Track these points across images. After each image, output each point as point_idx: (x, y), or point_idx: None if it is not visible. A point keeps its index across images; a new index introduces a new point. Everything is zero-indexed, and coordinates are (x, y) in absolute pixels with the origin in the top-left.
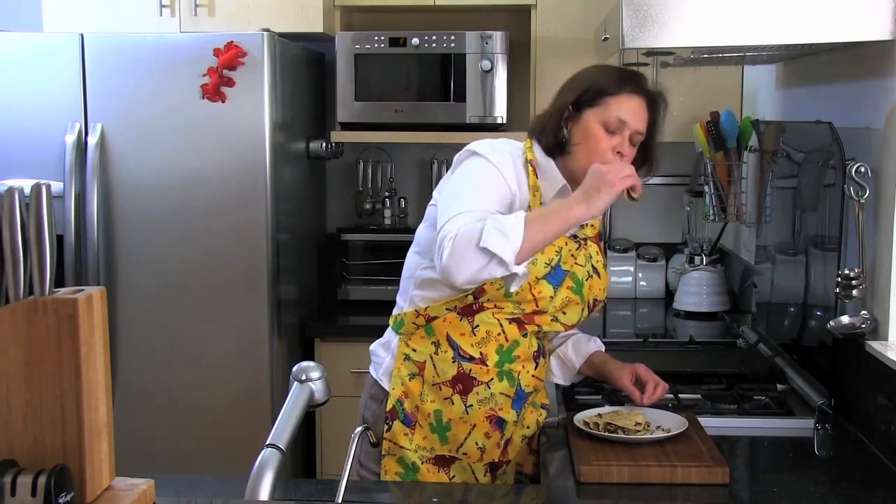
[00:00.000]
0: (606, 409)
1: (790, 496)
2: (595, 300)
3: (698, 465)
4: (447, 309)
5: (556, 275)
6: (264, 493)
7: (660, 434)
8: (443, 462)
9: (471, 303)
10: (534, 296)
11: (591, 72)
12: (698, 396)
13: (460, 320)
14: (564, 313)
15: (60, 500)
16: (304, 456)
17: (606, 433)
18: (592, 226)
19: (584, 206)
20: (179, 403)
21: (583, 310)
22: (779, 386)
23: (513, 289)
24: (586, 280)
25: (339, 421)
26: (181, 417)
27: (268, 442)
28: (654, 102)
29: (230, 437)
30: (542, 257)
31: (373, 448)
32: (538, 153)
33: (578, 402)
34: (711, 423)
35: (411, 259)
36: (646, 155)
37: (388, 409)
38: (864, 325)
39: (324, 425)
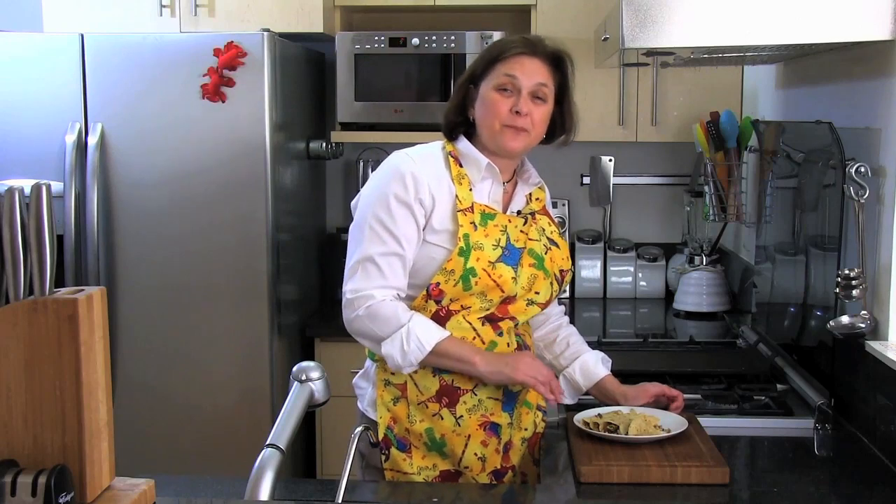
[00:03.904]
0: (606, 409)
1: (790, 496)
2: (561, 271)
3: (698, 465)
4: None
5: (511, 255)
6: (264, 493)
7: (660, 434)
8: (449, 478)
9: (436, 310)
10: (495, 281)
11: (484, 49)
12: (698, 396)
13: None
14: (538, 293)
15: (60, 500)
16: (304, 456)
17: (606, 433)
18: (538, 199)
19: (486, 369)
20: (179, 403)
21: (551, 283)
22: (779, 386)
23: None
24: (546, 253)
25: (339, 421)
26: (181, 417)
27: (268, 442)
28: (556, 61)
29: (230, 437)
30: (488, 240)
31: (373, 447)
32: (458, 143)
33: (579, 401)
34: (711, 423)
35: None
36: (562, 120)
37: (380, 438)
38: (864, 325)
39: (324, 425)
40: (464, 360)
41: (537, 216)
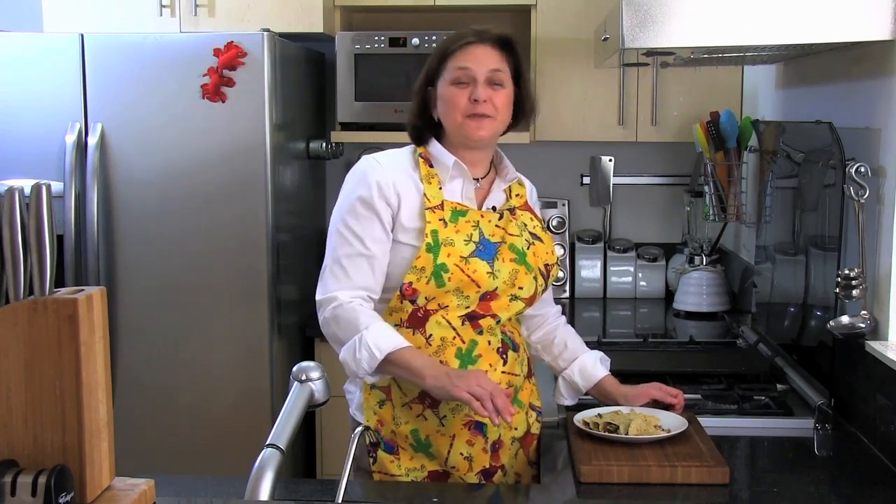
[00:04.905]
0: (606, 409)
1: (790, 496)
2: (546, 265)
3: (698, 465)
4: (395, 325)
5: (486, 250)
6: (264, 493)
7: (660, 434)
8: (437, 478)
9: (413, 310)
10: (469, 276)
11: (435, 49)
12: (698, 396)
13: (413, 334)
14: (521, 288)
15: (60, 500)
16: (304, 456)
17: (606, 433)
18: (518, 195)
19: (431, 383)
20: (179, 403)
21: (535, 278)
22: (779, 386)
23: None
24: (528, 248)
25: (339, 421)
26: (181, 417)
27: (268, 442)
28: (505, 44)
29: (230, 437)
30: (458, 236)
31: (373, 447)
32: (427, 144)
33: (578, 401)
34: (711, 423)
35: None
36: (519, 104)
37: (367, 441)
38: (864, 325)
39: (324, 425)
40: (414, 372)
41: (518, 212)
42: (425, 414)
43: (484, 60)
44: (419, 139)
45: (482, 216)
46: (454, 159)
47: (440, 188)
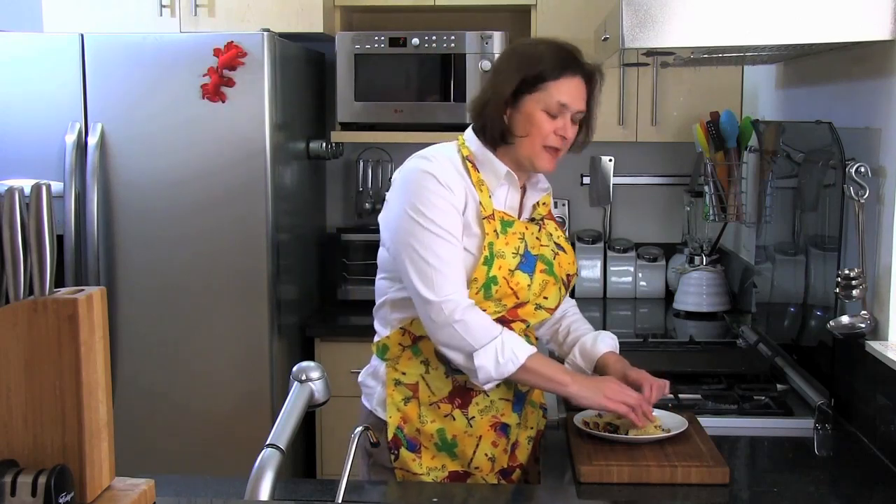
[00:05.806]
0: None
1: (790, 496)
2: (568, 276)
3: (698, 465)
4: None
5: (527, 262)
6: (264, 493)
7: (660, 434)
8: (457, 478)
9: None
10: (512, 289)
11: (527, 57)
12: (698, 396)
13: None
14: (546, 298)
15: (60, 500)
16: (304, 456)
17: (606, 433)
18: (544, 203)
19: (578, 392)
20: (179, 403)
21: (559, 288)
22: (779, 386)
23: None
24: (554, 258)
25: (339, 421)
26: (181, 417)
27: (268, 442)
28: (592, 78)
29: (230, 437)
30: (508, 248)
31: (373, 447)
32: (473, 146)
33: None
34: (711, 423)
35: (380, 285)
36: (583, 126)
37: (389, 438)
38: (864, 325)
39: (324, 425)
40: (554, 379)
41: (545, 221)
42: (454, 414)
43: (578, 98)
44: (494, 143)
45: (526, 228)
46: (506, 169)
47: (490, 196)
